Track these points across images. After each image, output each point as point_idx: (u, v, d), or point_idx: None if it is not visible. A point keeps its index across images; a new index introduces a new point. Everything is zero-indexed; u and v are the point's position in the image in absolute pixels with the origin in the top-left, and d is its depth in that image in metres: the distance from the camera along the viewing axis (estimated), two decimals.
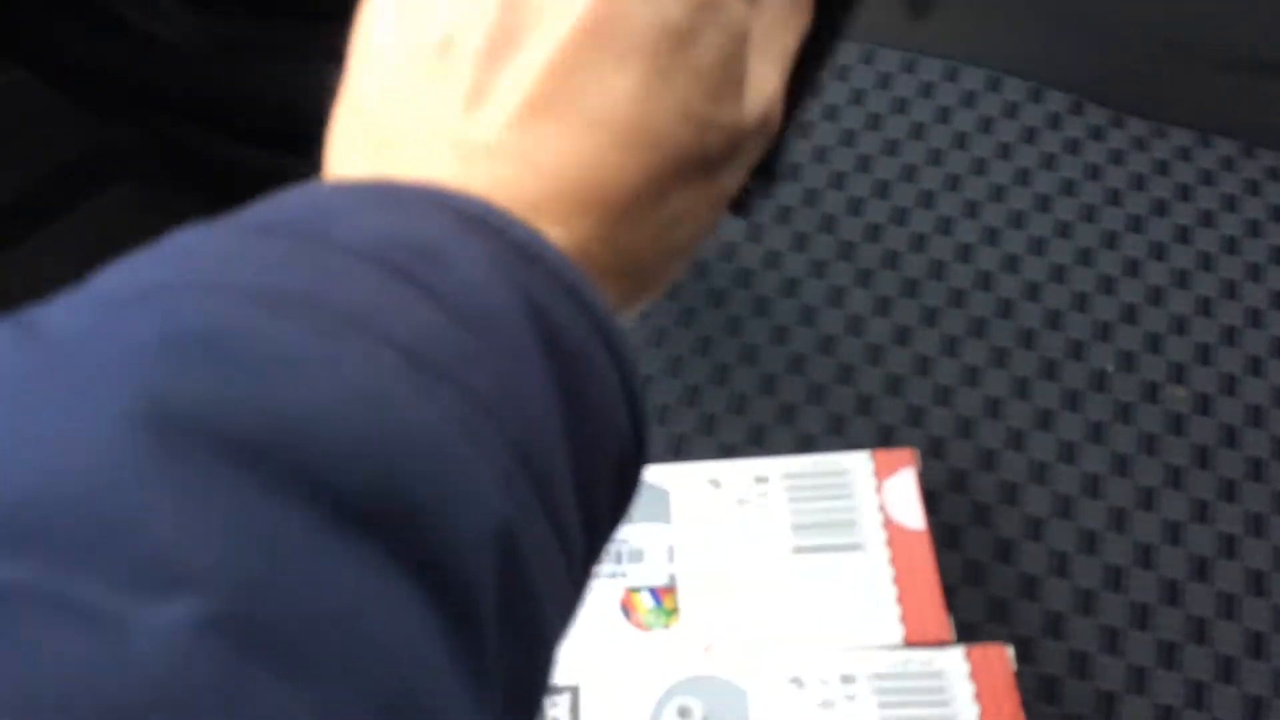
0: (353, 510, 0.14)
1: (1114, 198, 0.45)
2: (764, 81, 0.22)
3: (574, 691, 0.33)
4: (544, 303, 0.17)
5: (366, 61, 0.22)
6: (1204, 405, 0.41)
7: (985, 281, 0.44)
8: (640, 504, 0.36)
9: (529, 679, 0.17)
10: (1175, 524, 0.39)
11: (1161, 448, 0.41)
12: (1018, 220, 0.45)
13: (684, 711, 0.33)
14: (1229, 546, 0.39)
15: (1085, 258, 0.44)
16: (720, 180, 0.21)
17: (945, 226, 0.45)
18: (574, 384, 0.18)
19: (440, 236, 0.17)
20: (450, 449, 0.15)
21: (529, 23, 0.19)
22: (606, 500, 0.19)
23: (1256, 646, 0.37)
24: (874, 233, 0.45)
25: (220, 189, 0.96)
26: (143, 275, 0.16)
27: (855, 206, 0.45)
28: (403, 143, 0.20)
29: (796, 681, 0.33)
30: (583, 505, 0.18)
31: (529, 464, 0.16)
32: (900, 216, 0.45)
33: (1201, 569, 0.38)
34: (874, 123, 0.47)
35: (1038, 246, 0.45)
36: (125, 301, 0.15)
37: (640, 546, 0.36)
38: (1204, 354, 0.42)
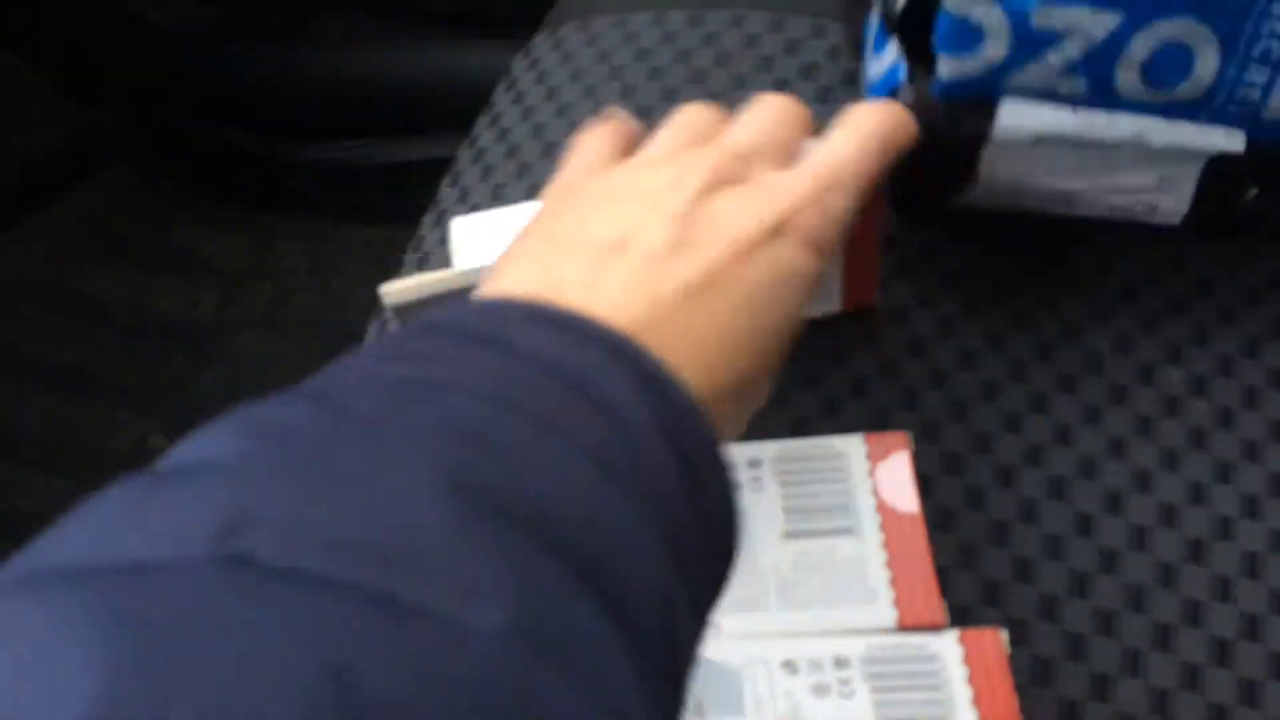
0: (583, 568, 0.19)
1: None
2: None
3: None
4: (671, 422, 0.23)
5: (545, 224, 0.30)
6: (1200, 387, 0.41)
7: (983, 262, 0.44)
8: None
9: (675, 711, 0.22)
10: (1171, 506, 0.39)
11: (1157, 430, 0.40)
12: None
13: None
14: (1224, 529, 0.39)
15: (1080, 238, 0.44)
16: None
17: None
18: (695, 487, 0.23)
19: (596, 358, 0.23)
20: (630, 530, 0.21)
21: (692, 240, 0.27)
22: (717, 577, 0.25)
23: (1252, 629, 0.37)
24: None
25: (210, 174, 0.96)
26: (406, 371, 0.22)
27: None
28: (565, 285, 0.26)
29: (789, 666, 0.33)
30: (703, 579, 0.24)
31: (675, 549, 0.22)
32: None
33: (1197, 551, 0.38)
34: None
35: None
36: (407, 393, 0.21)
37: None
38: (1200, 335, 0.42)
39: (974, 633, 0.33)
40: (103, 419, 0.89)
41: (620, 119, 0.34)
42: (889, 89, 0.39)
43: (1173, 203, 0.41)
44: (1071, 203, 0.41)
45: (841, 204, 0.30)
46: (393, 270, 0.48)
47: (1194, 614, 0.37)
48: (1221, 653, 0.37)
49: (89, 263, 0.94)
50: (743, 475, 0.36)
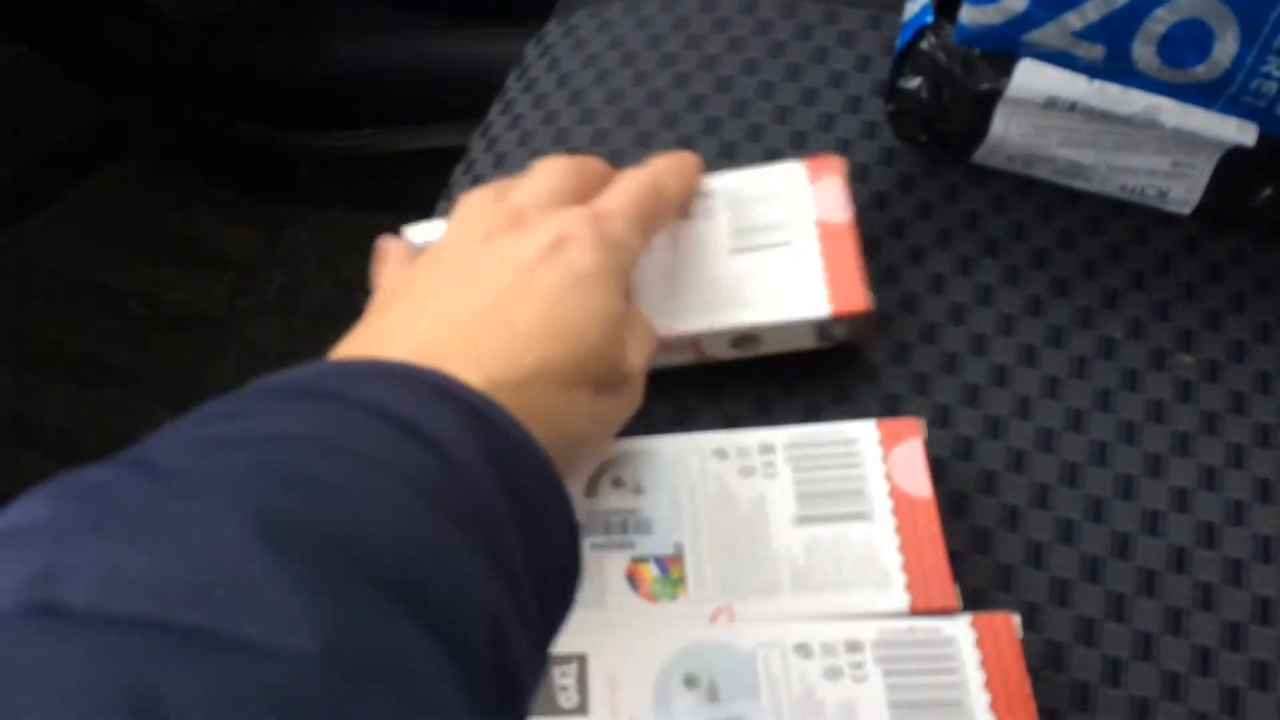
0: (399, 589, 0.20)
1: None
2: (634, 359, 0.33)
3: (581, 660, 0.33)
4: (498, 453, 0.25)
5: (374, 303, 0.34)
6: (1212, 372, 0.41)
7: (992, 248, 0.44)
8: (647, 474, 0.36)
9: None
10: (1183, 490, 0.39)
11: (1170, 415, 0.40)
12: (1026, 188, 0.45)
13: (690, 680, 0.33)
14: (1236, 513, 0.38)
15: (1093, 225, 0.44)
16: (606, 401, 0.32)
17: (951, 194, 0.45)
18: (526, 511, 0.25)
19: (424, 402, 0.25)
20: (453, 552, 0.22)
21: (480, 275, 0.32)
22: (555, 597, 0.27)
23: (1264, 612, 0.37)
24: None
25: (222, 163, 0.96)
26: (229, 427, 0.23)
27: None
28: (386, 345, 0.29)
29: (802, 650, 0.33)
30: (538, 598, 0.25)
31: (502, 568, 0.23)
32: (906, 183, 0.45)
33: (1209, 535, 0.38)
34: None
35: (1045, 213, 0.44)
36: (226, 445, 0.22)
37: (647, 517, 0.36)
38: (1212, 319, 0.42)
39: (986, 616, 0.33)
40: (118, 407, 0.89)
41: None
42: (915, 29, 0.40)
43: (1184, 191, 0.41)
44: (1083, 175, 0.41)
45: (618, 227, 0.34)
46: None
47: (1206, 598, 0.37)
48: (1234, 636, 0.37)
49: (102, 253, 0.94)
50: (755, 460, 0.36)
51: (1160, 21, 0.35)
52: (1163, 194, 0.42)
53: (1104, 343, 0.42)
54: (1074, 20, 0.36)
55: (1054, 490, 0.39)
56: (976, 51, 0.39)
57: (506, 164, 0.48)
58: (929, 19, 0.40)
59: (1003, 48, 0.38)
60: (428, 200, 0.47)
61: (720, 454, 0.36)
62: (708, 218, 0.40)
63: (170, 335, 0.92)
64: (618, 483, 0.37)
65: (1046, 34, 0.37)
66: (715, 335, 0.39)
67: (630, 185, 0.36)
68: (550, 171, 0.36)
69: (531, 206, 0.34)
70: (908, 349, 0.41)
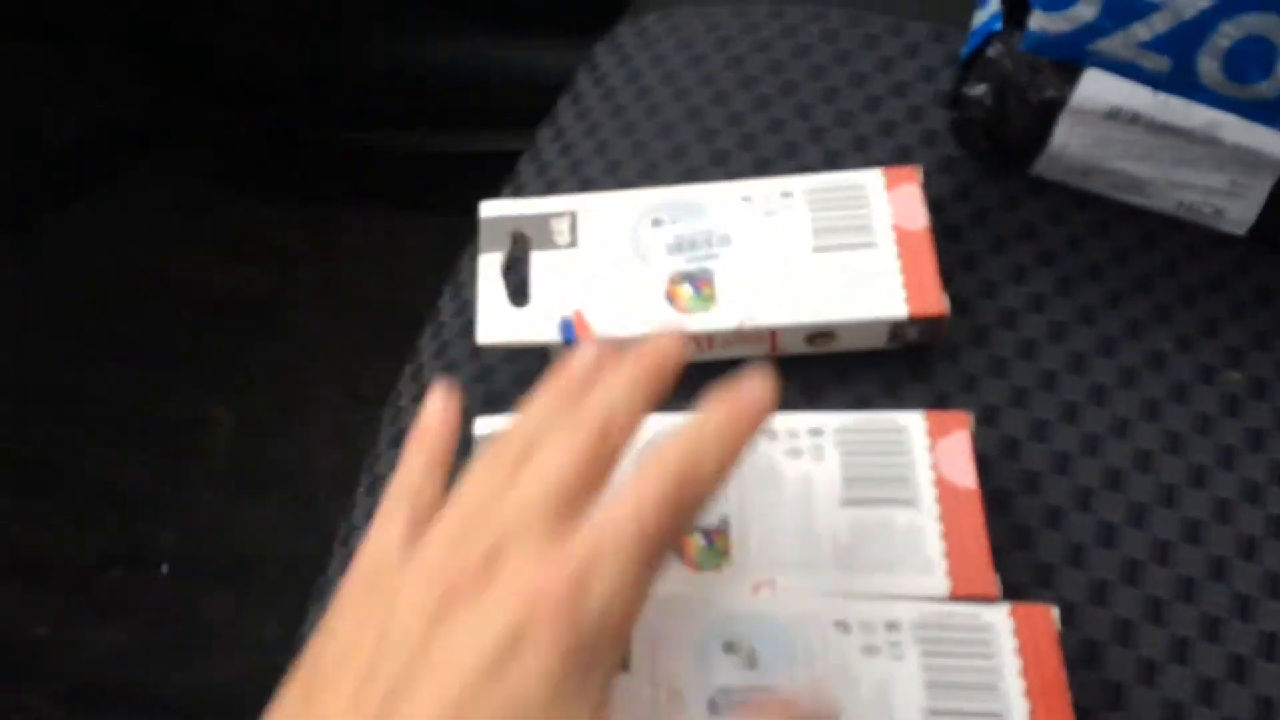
0: None
1: None
2: None
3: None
4: None
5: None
6: (1259, 389, 0.41)
7: (1047, 259, 0.44)
8: None
9: None
10: (1224, 501, 0.39)
11: (1215, 428, 0.41)
12: (1083, 201, 0.45)
13: (730, 646, 0.33)
14: (1276, 527, 0.39)
15: (1148, 241, 0.45)
16: None
17: (1009, 203, 0.45)
18: None
19: None
20: None
21: (417, 679, 0.26)
22: None
23: None
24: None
25: (274, 158, 0.97)
26: None
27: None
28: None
29: (842, 626, 0.33)
30: None
31: None
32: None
33: (1250, 547, 0.38)
34: None
35: (1100, 227, 0.45)
36: None
37: None
38: (1260, 340, 0.42)
39: (1025, 607, 0.33)
40: (163, 389, 0.91)
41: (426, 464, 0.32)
42: (984, 35, 0.41)
43: (1241, 210, 0.42)
44: (1140, 190, 0.42)
45: (609, 584, 0.26)
46: (452, 259, 0.49)
47: (1243, 607, 0.37)
48: (1271, 646, 0.37)
49: (153, 239, 0.96)
50: (804, 443, 0.37)
51: (1226, 36, 0.36)
52: (1219, 212, 0.43)
53: (1153, 355, 0.42)
54: (1141, 31, 0.37)
55: (1096, 493, 0.39)
56: (1043, 59, 0.40)
57: (572, 153, 0.49)
58: (998, 26, 0.41)
59: (1069, 56, 0.39)
60: (474, 203, 0.47)
61: (769, 435, 0.37)
62: (789, 216, 0.41)
63: (215, 320, 0.94)
64: None
65: (1114, 44, 0.38)
66: (793, 329, 0.40)
67: (653, 484, 0.28)
68: (559, 447, 0.29)
69: (517, 537, 0.27)
70: (957, 350, 0.42)
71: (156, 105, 0.96)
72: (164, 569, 0.83)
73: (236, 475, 0.87)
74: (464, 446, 0.35)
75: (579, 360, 0.32)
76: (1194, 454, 0.40)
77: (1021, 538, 0.39)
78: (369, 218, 0.95)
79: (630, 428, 0.30)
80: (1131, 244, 0.44)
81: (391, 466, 0.43)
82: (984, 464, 0.39)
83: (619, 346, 0.32)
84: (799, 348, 0.41)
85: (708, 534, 0.36)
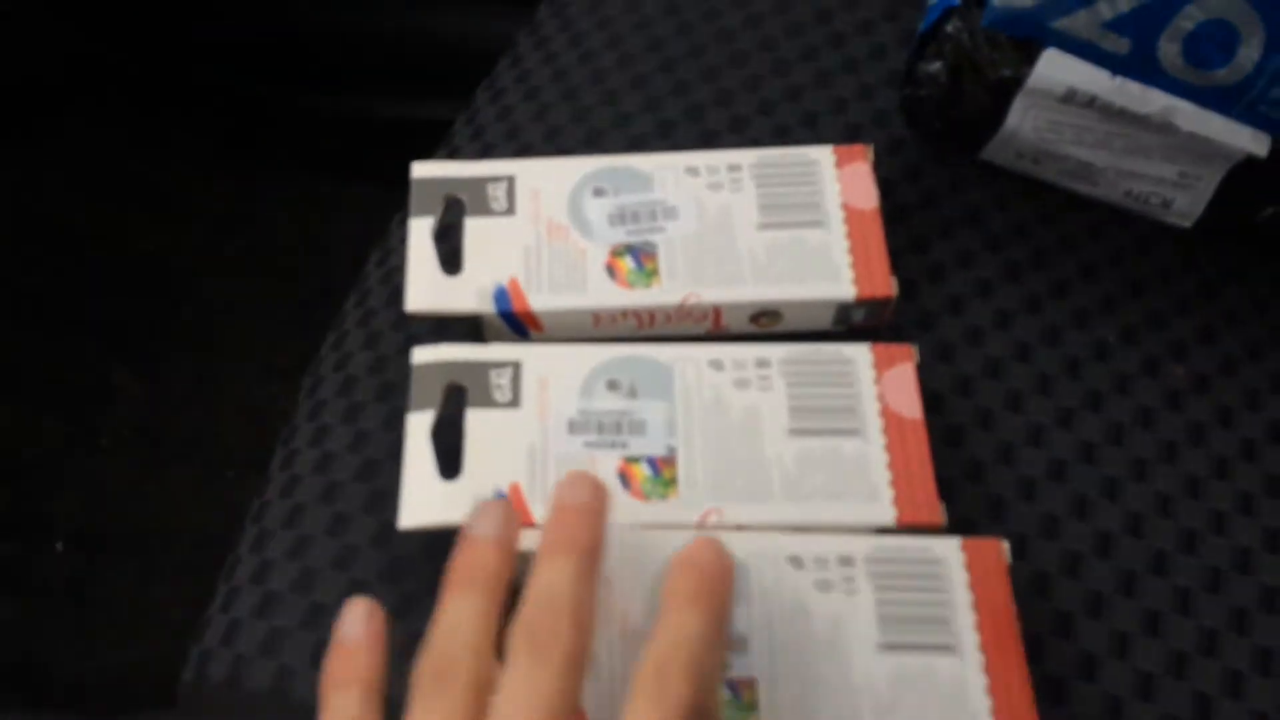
0: None
1: None
2: None
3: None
4: None
5: None
6: (1202, 384, 0.41)
7: (994, 244, 0.43)
8: (642, 379, 0.35)
9: None
10: (1171, 443, 0.39)
11: (1158, 421, 0.40)
12: (1031, 189, 0.44)
13: (614, 385, 0.34)
14: (1217, 522, 0.38)
15: (1095, 231, 0.44)
16: None
17: (957, 187, 0.44)
18: None
19: None
20: None
21: None
22: None
23: (1244, 562, 0.37)
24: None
25: (202, 116, 0.93)
26: None
27: None
28: None
29: (795, 561, 0.33)
30: None
31: None
32: None
33: (1193, 487, 0.38)
34: None
35: (1047, 216, 0.44)
36: None
37: (641, 419, 0.36)
38: (1205, 334, 0.42)
39: (976, 541, 0.33)
40: (70, 353, 0.86)
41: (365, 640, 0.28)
42: (942, 10, 0.40)
43: (1188, 202, 0.41)
44: (1089, 178, 0.41)
45: None
46: (381, 231, 0.47)
47: (1189, 542, 0.38)
48: (1215, 579, 0.37)
49: (70, 196, 0.92)
50: (751, 374, 0.36)
51: (1189, 18, 0.35)
52: (1166, 204, 0.42)
53: (1098, 346, 0.41)
54: (1104, 9, 0.36)
55: (1039, 483, 0.39)
56: (1002, 36, 0.39)
57: (511, 117, 0.47)
58: (957, 1, 0.39)
59: (1030, 33, 0.38)
60: (406, 173, 0.44)
61: (716, 365, 0.37)
62: (735, 190, 0.40)
63: (130, 283, 0.89)
64: (613, 385, 0.36)
65: (1076, 22, 0.37)
66: (738, 308, 0.38)
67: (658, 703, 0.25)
68: (527, 698, 0.25)
69: None
70: (903, 334, 0.41)
71: (83, 57, 0.91)
72: (59, 546, 0.78)
73: (143, 446, 0.83)
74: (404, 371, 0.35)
75: (486, 538, 0.28)
76: (1136, 448, 0.39)
77: (974, 471, 0.39)
78: (297, 185, 0.92)
79: (589, 628, 0.26)
80: (1078, 233, 0.44)
81: (308, 440, 0.40)
82: (938, 400, 0.39)
83: (512, 518, 0.29)
84: (743, 327, 0.39)
85: (653, 463, 0.35)
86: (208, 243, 0.90)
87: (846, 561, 0.33)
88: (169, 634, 0.45)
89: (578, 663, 0.26)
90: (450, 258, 0.40)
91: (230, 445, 0.83)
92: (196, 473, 0.81)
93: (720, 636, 0.27)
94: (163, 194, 0.92)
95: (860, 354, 0.37)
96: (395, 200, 0.45)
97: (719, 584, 0.28)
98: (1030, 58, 0.38)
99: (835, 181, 0.40)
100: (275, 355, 0.85)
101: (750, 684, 0.31)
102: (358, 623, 0.28)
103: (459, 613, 0.27)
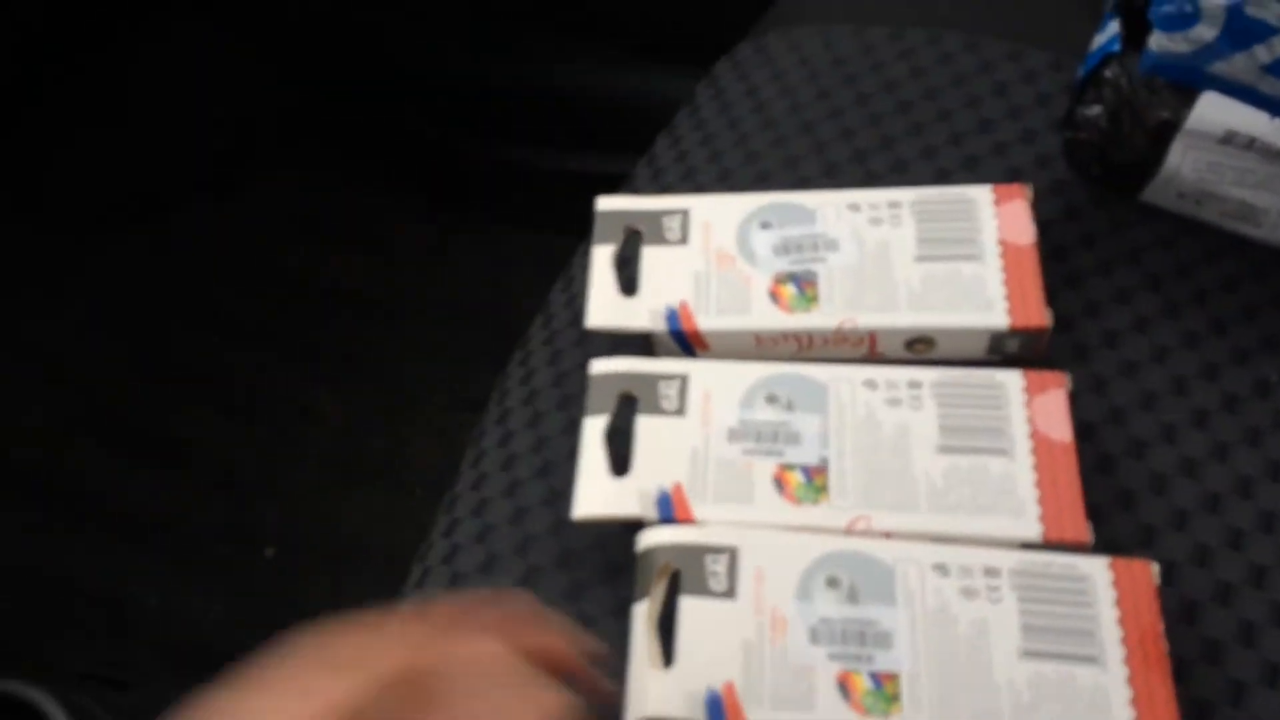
0: None
1: None
2: None
3: (732, 552, 0.35)
4: None
5: None
6: None
7: (1154, 283, 0.44)
8: (799, 395, 0.38)
9: None
10: None
11: None
12: (1193, 230, 0.45)
13: (833, 581, 0.34)
14: None
15: (1258, 273, 0.44)
16: None
17: (1117, 228, 0.45)
18: None
19: None
20: None
21: None
22: None
23: None
24: None
25: (401, 164, 1.01)
26: None
27: None
28: None
29: (940, 569, 0.34)
30: None
31: None
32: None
33: None
34: None
35: (1210, 256, 0.45)
36: None
37: (796, 431, 0.38)
38: None
39: (1125, 560, 0.34)
40: (277, 377, 0.94)
41: None
42: (1101, 56, 0.41)
43: None
44: (1253, 219, 0.42)
45: None
46: (558, 273, 0.51)
47: None
48: None
49: (280, 233, 1.01)
50: (903, 394, 0.38)
51: None
52: None
53: (1258, 383, 0.42)
54: (1262, 54, 0.37)
55: (1203, 464, 0.39)
56: (1160, 81, 0.40)
57: (687, 160, 0.51)
58: (1116, 48, 0.41)
59: (1187, 79, 0.39)
60: (586, 223, 0.48)
61: (870, 384, 0.39)
62: (895, 225, 0.42)
63: (330, 314, 0.97)
64: (771, 399, 0.39)
65: (1234, 66, 0.38)
66: (893, 333, 0.40)
67: None
68: None
69: None
70: (1055, 365, 0.42)
71: (293, 109, 1.01)
72: (268, 552, 0.86)
73: (339, 465, 0.90)
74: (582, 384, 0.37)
75: None
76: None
77: (1125, 500, 0.39)
78: (489, 232, 0.98)
79: None
80: (1241, 273, 0.44)
81: (495, 441, 0.45)
82: (1090, 430, 0.40)
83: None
84: (898, 353, 0.41)
85: (807, 471, 0.37)
86: (404, 280, 0.97)
87: (992, 573, 0.34)
88: None
89: None
90: (628, 282, 0.44)
91: (418, 469, 0.89)
92: (386, 492, 0.87)
93: None
94: (365, 233, 1.00)
95: (1012, 379, 0.38)
96: (577, 248, 0.49)
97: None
98: (1189, 101, 0.40)
99: (993, 219, 0.42)
100: (461, 388, 0.91)
101: (893, 677, 0.33)
102: None
103: None
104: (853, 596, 0.34)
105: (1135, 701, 0.32)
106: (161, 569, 0.86)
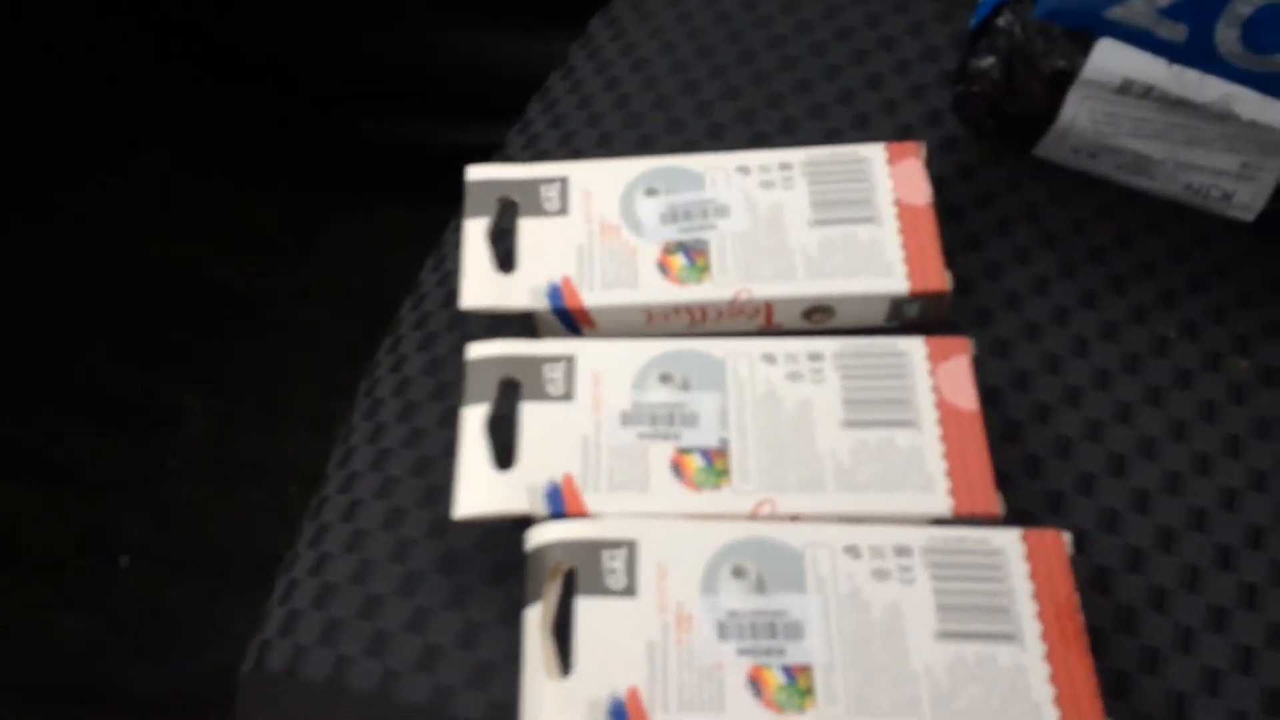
0: None
1: None
2: None
3: (631, 546, 0.33)
4: None
5: None
6: (1269, 377, 0.40)
7: (1050, 241, 0.43)
8: (695, 373, 0.35)
9: None
10: (1234, 437, 0.38)
11: (1221, 415, 0.39)
12: (1087, 185, 0.44)
13: (739, 571, 0.32)
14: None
15: (1154, 227, 0.43)
16: None
17: (1012, 185, 0.44)
18: None
19: None
20: None
21: None
22: None
23: None
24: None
25: (268, 145, 0.96)
26: None
27: None
28: None
29: (851, 551, 0.33)
30: None
31: None
32: None
33: (1258, 480, 0.38)
34: None
35: (1105, 211, 0.44)
36: None
37: (693, 411, 0.36)
38: (1271, 328, 0.41)
39: (1037, 532, 0.33)
40: (142, 377, 0.89)
41: None
42: (992, 5, 0.40)
43: (1250, 195, 0.41)
44: (1148, 172, 0.41)
45: None
46: (436, 251, 0.47)
47: (1255, 537, 0.37)
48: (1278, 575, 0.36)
49: (144, 225, 0.95)
50: (804, 367, 0.36)
51: (1248, 3, 0.35)
52: (1227, 196, 0.41)
53: (1158, 341, 0.41)
54: None
55: (1108, 427, 0.38)
56: (1056, 28, 0.38)
57: (564, 124, 0.48)
58: None
59: (1083, 25, 0.38)
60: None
61: (769, 358, 0.37)
62: (787, 188, 0.40)
63: (200, 309, 0.92)
64: (666, 378, 0.36)
65: (1131, 10, 0.36)
66: (790, 303, 0.38)
67: None
68: None
69: None
70: (956, 329, 0.41)
71: (154, 94, 0.95)
72: (123, 561, 0.80)
73: (211, 468, 0.85)
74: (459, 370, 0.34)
75: None
76: (1198, 442, 0.38)
77: (1033, 467, 0.38)
78: (359, 210, 0.94)
79: None
80: (1136, 229, 0.43)
81: (365, 438, 0.41)
82: (996, 395, 0.39)
83: None
84: (796, 323, 0.39)
85: (706, 454, 0.35)
86: (275, 270, 0.92)
87: (903, 551, 0.33)
88: (235, 649, 0.45)
89: None
90: (505, 258, 0.40)
91: (295, 463, 0.84)
92: (261, 493, 0.82)
93: None
94: (232, 224, 0.95)
95: (915, 347, 0.37)
96: (455, 222, 0.45)
97: None
98: (1085, 49, 0.38)
99: (888, 178, 0.40)
100: (339, 375, 0.86)
101: (807, 670, 0.31)
102: None
103: None
104: (760, 586, 0.32)
105: (1054, 679, 0.31)
106: (11, 586, 0.80)
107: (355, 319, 0.87)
